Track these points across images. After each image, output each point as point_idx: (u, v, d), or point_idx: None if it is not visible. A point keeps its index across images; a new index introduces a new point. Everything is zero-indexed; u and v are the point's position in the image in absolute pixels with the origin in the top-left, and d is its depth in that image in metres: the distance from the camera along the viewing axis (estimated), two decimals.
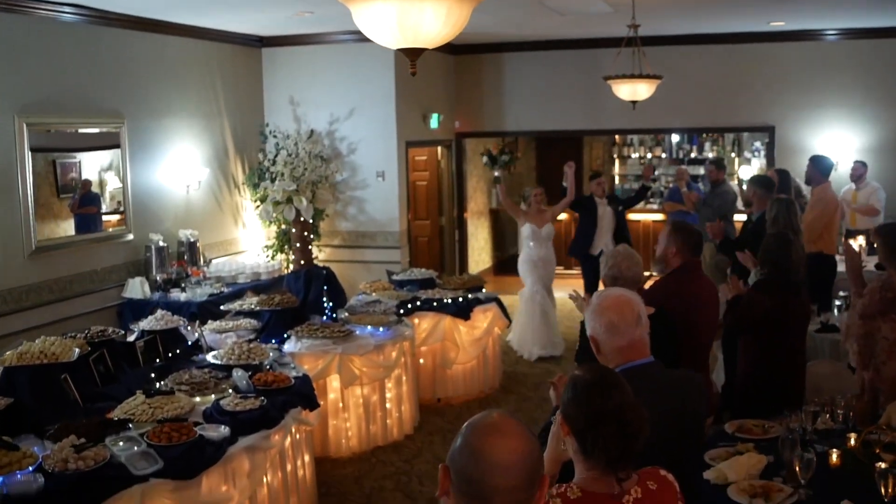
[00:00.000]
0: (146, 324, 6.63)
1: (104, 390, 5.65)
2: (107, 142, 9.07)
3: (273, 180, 10.62)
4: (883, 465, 3.73)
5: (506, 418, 2.03)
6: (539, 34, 12.29)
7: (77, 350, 5.50)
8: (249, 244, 11.30)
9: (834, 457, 4.14)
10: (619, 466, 2.51)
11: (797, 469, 3.79)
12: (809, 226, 8.37)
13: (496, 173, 14.00)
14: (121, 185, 9.16)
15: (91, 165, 8.94)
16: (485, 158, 13.99)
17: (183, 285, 9.11)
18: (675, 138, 17.02)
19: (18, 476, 4.31)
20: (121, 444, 4.67)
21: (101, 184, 9.10)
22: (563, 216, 13.09)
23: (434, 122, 12.69)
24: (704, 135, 16.56)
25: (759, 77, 12.35)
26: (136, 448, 4.63)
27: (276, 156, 10.80)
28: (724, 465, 4.08)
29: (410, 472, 7.00)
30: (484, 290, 9.37)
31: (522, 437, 2.00)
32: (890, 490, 3.57)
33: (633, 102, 9.47)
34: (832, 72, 12.08)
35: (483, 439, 1.99)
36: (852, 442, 4.26)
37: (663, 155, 17.28)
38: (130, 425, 4.93)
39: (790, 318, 5.33)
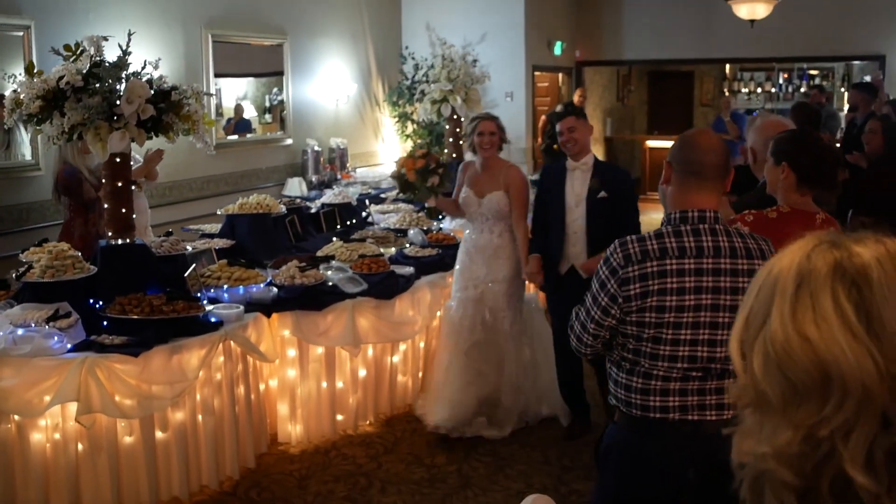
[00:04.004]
0: (326, 198, 7.66)
1: (299, 244, 6.70)
2: (273, 56, 10.15)
3: (411, 99, 11.58)
4: None
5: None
6: None
7: (283, 207, 6.56)
8: (386, 157, 12.29)
9: None
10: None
11: None
12: None
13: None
14: (280, 98, 10.26)
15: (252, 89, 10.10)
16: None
17: (334, 186, 10.14)
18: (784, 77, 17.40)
19: (254, 289, 5.37)
20: (330, 272, 5.69)
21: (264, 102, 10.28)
22: None
23: (557, 49, 13.45)
24: (814, 70, 16.89)
25: (869, 4, 12.64)
26: (342, 274, 5.64)
27: (420, 73, 11.69)
28: None
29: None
30: None
31: (719, 138, 3.02)
32: None
33: (752, 21, 10.05)
34: None
35: (697, 135, 3.02)
36: None
37: (772, 90, 17.68)
38: (334, 261, 5.95)
39: None
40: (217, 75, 9.18)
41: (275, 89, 10.36)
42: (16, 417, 4.39)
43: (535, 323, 5.89)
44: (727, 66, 17.90)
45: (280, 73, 10.23)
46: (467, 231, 5.90)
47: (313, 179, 10.22)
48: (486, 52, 12.28)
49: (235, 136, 9.68)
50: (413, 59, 12.22)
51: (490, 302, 5.60)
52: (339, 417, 5.69)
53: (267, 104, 10.45)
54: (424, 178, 5.81)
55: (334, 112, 11.13)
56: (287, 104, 10.30)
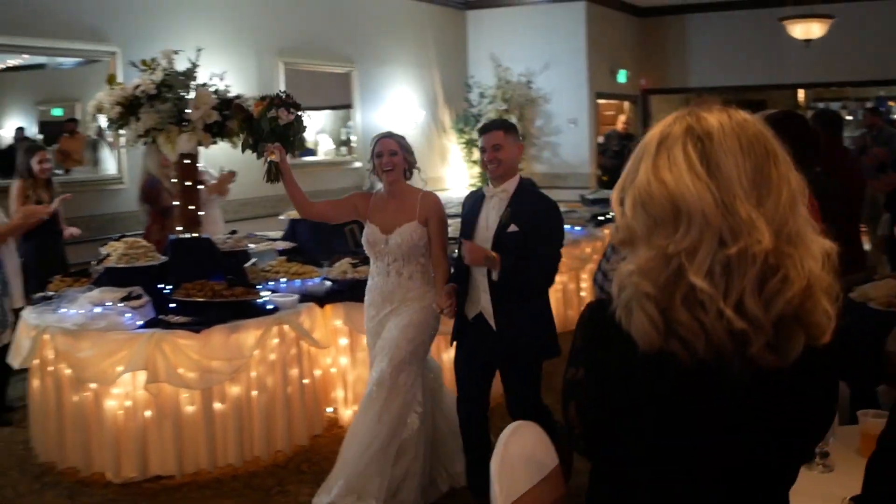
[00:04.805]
0: None
1: (356, 251, 7.19)
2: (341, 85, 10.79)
3: (477, 121, 12.10)
4: None
5: None
6: None
7: None
8: (453, 183, 12.79)
9: None
10: None
11: None
12: None
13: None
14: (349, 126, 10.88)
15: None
16: None
17: None
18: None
19: (310, 282, 5.86)
20: None
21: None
22: None
23: (621, 76, 13.82)
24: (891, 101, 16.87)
25: None
26: None
27: (485, 101, 12.20)
28: (867, 287, 4.84)
29: None
30: None
31: None
32: None
33: (807, 41, 10.26)
34: None
35: None
36: None
37: (849, 117, 17.70)
38: None
39: None
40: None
41: (349, 122, 11.01)
42: (92, 385, 4.94)
43: (432, 391, 4.86)
44: (801, 95, 17.97)
45: (349, 106, 10.86)
46: (370, 277, 4.80)
47: None
48: (549, 80, 12.73)
49: (306, 159, 10.28)
50: (478, 87, 12.74)
51: (389, 350, 4.53)
52: None
53: (343, 137, 11.11)
54: (269, 109, 4.83)
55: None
56: (356, 128, 10.89)
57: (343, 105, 11.02)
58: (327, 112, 11.29)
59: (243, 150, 5.07)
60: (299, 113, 5.00)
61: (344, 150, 11.10)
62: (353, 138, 11.00)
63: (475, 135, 12.32)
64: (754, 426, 1.52)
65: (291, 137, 4.91)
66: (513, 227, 4.21)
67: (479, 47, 13.17)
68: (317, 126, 11.04)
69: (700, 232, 1.44)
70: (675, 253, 1.45)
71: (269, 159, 4.78)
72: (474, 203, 4.45)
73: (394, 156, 4.61)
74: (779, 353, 1.45)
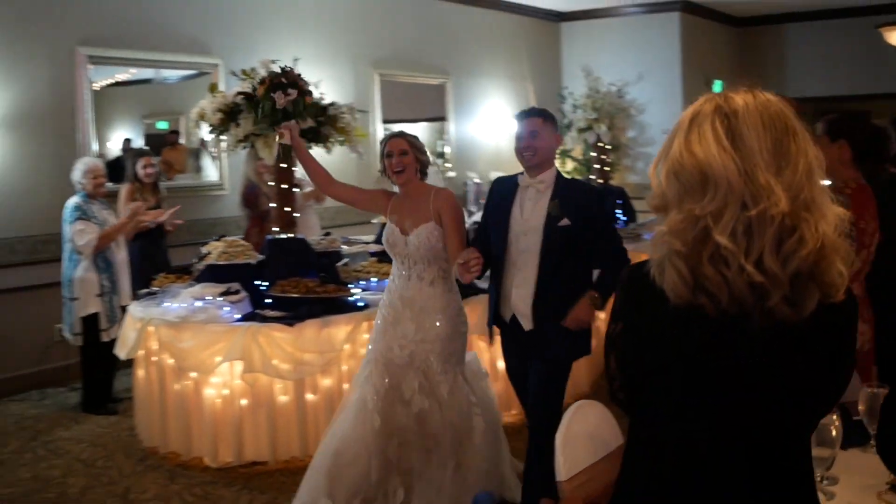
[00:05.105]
0: (477, 217, 8.33)
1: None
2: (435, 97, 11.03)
3: (567, 131, 12.21)
4: None
5: None
6: (818, 4, 13.02)
7: None
8: None
9: None
10: None
11: None
12: None
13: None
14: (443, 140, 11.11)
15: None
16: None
17: None
18: None
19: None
20: None
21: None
22: None
23: (717, 87, 13.71)
24: None
25: None
26: None
27: (578, 113, 12.31)
28: None
29: None
30: None
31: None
32: None
33: None
34: None
35: None
36: None
37: None
38: None
39: None
40: (385, 121, 10.10)
41: (445, 136, 11.25)
42: (193, 375, 5.23)
43: (478, 389, 4.65)
44: None
45: (443, 119, 11.09)
46: (390, 279, 4.65)
47: (473, 209, 10.93)
48: (643, 91, 12.73)
49: None
50: (572, 98, 12.84)
51: (421, 364, 4.39)
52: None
53: (439, 150, 11.35)
54: (268, 94, 4.60)
55: (495, 148, 11.86)
56: (450, 138, 11.12)
57: (437, 117, 11.25)
58: (424, 125, 11.54)
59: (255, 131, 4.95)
60: (301, 89, 4.64)
61: (440, 161, 11.33)
62: (447, 150, 11.23)
63: (568, 143, 12.46)
64: (771, 383, 1.65)
65: (297, 115, 4.64)
66: (565, 221, 3.97)
67: (572, 58, 13.26)
68: None
69: (725, 197, 1.61)
70: (702, 215, 1.62)
71: (278, 140, 4.54)
72: (505, 191, 4.19)
73: (404, 156, 4.38)
74: (795, 307, 1.60)
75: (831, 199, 1.66)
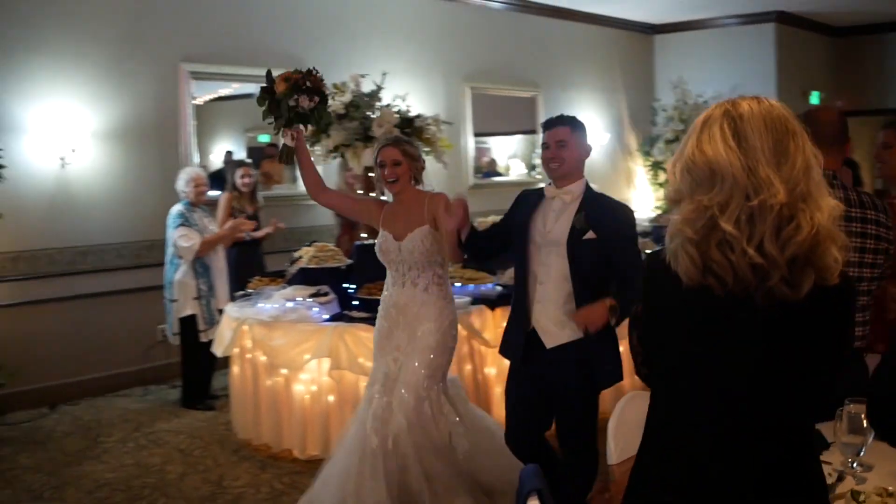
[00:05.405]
0: None
1: None
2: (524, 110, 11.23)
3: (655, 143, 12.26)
4: None
5: None
6: None
7: None
8: (639, 205, 12.93)
9: None
10: None
11: None
12: None
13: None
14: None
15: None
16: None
17: None
18: None
19: (483, 287, 6.25)
20: None
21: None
22: None
23: (814, 98, 13.56)
24: None
25: None
26: None
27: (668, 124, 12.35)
28: None
29: None
30: None
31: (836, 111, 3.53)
32: None
33: None
34: None
35: (817, 110, 3.64)
36: None
37: None
38: None
39: None
40: (477, 133, 10.34)
41: (537, 149, 11.43)
42: (283, 371, 5.51)
43: (462, 409, 4.56)
44: None
45: (533, 131, 11.25)
46: (384, 290, 4.59)
47: None
48: None
49: (495, 179, 10.77)
50: (665, 111, 12.86)
51: (409, 377, 4.30)
52: None
53: (534, 161, 11.53)
54: (291, 94, 4.31)
55: (588, 159, 11.94)
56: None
57: (528, 130, 11.44)
58: (518, 137, 11.75)
59: (264, 118, 4.73)
60: (323, 95, 4.44)
61: (534, 173, 11.50)
62: (539, 162, 11.41)
63: (660, 156, 12.49)
64: (772, 359, 1.83)
65: (313, 121, 4.47)
66: (590, 234, 3.79)
67: (665, 71, 13.29)
68: (508, 151, 11.54)
69: (730, 189, 1.82)
70: (710, 205, 1.83)
71: (284, 143, 4.46)
72: (530, 203, 4.04)
73: (397, 166, 4.30)
74: (793, 288, 1.78)
75: (829, 193, 1.84)
